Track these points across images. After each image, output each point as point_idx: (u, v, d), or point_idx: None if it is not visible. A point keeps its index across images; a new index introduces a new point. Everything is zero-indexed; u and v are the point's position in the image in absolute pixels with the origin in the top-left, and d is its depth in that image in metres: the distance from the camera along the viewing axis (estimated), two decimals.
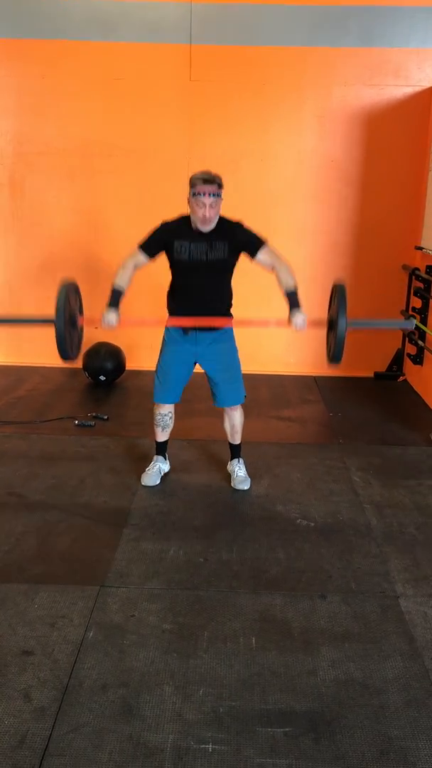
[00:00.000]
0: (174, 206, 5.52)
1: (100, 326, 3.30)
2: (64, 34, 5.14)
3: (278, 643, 2.39)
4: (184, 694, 2.14)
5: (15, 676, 2.20)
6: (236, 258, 3.29)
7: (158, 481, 3.62)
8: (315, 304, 5.65)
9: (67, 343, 3.23)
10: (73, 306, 3.32)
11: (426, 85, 5.18)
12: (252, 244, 3.21)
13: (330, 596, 2.67)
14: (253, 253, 3.22)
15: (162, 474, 3.67)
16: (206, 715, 2.06)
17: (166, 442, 3.69)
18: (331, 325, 3.24)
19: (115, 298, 3.30)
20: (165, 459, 3.73)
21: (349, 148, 5.34)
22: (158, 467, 3.66)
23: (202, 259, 3.19)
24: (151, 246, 3.26)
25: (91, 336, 5.58)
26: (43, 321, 3.30)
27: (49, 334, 6.00)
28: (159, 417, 3.58)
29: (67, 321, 3.21)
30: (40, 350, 5.80)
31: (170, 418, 3.60)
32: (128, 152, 5.37)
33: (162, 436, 3.65)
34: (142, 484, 3.58)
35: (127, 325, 3.37)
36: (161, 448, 3.70)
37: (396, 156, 5.33)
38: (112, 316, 3.26)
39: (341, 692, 2.17)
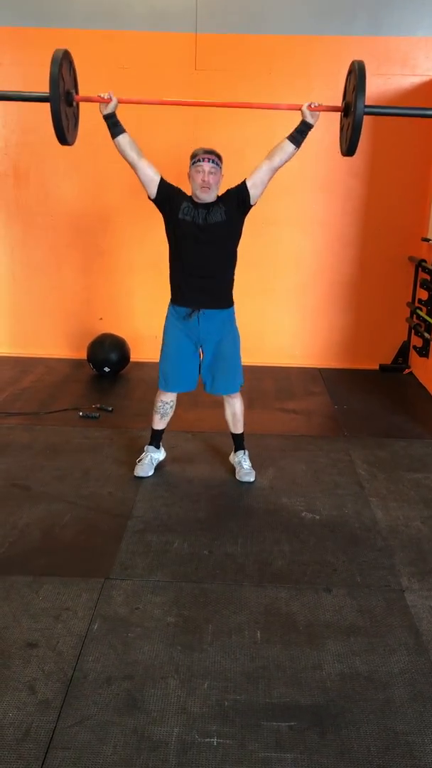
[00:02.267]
0: None
1: (100, 106, 3.19)
2: (69, 23, 5.10)
3: (283, 636, 2.38)
4: (188, 688, 2.13)
5: (19, 669, 2.19)
6: (235, 224, 3.27)
7: (151, 472, 3.59)
8: (321, 295, 5.66)
9: (63, 123, 3.04)
10: (67, 80, 3.13)
11: None
12: (240, 187, 3.23)
13: (335, 590, 2.66)
14: (245, 192, 3.21)
15: (155, 464, 3.65)
16: (211, 709, 2.05)
17: (162, 431, 3.65)
18: (347, 109, 3.10)
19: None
20: (158, 448, 3.69)
21: None
22: (150, 457, 3.63)
23: (200, 222, 3.20)
24: (165, 184, 3.25)
25: (95, 327, 5.59)
26: (38, 97, 3.06)
27: (54, 325, 6.01)
28: (160, 404, 3.54)
29: (62, 97, 3.00)
30: (44, 341, 5.81)
31: (171, 406, 3.57)
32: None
33: (160, 423, 3.61)
34: (135, 475, 3.56)
35: (123, 102, 3.28)
36: (156, 437, 3.66)
37: (403, 147, 5.28)
38: (109, 93, 3.19)
39: (346, 686, 2.17)
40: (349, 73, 3.15)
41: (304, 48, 5.11)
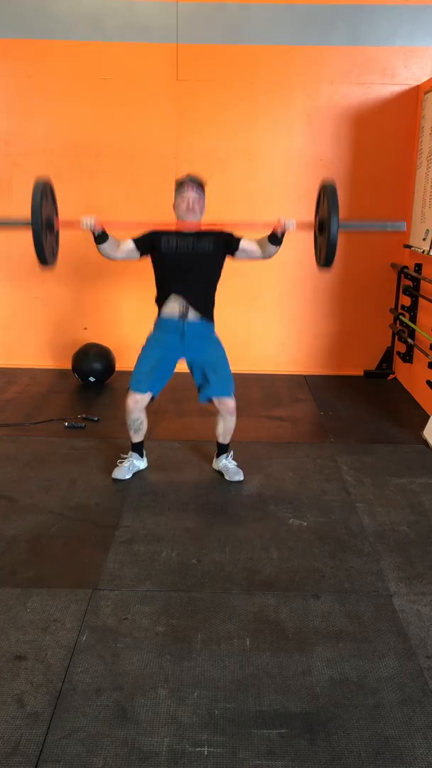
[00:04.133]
0: (162, 205, 5.51)
1: (80, 227, 3.26)
2: (50, 34, 5.12)
3: (272, 643, 2.38)
4: (178, 697, 2.13)
5: (7, 682, 2.18)
6: (221, 257, 3.42)
7: (128, 476, 3.63)
8: (305, 302, 5.69)
9: (45, 246, 3.14)
10: (49, 207, 3.25)
11: (413, 83, 5.19)
12: (232, 239, 3.40)
13: (323, 596, 2.66)
14: (235, 246, 3.38)
15: (136, 470, 3.69)
16: (201, 718, 2.05)
17: (142, 442, 3.71)
18: (322, 227, 3.19)
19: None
20: (141, 456, 3.74)
21: (337, 146, 5.35)
22: (131, 462, 3.68)
23: (188, 251, 3.35)
24: (141, 240, 3.40)
25: (80, 337, 5.58)
26: (19, 223, 3.17)
27: (38, 335, 5.99)
28: (130, 421, 3.58)
29: (43, 223, 3.12)
30: (29, 352, 5.79)
31: (141, 422, 3.60)
32: (116, 152, 5.35)
33: (136, 437, 3.67)
34: (112, 477, 3.60)
35: (105, 226, 3.31)
36: (138, 448, 3.72)
37: (384, 154, 5.34)
38: (91, 219, 3.25)
39: (336, 692, 2.17)
40: (322, 191, 3.25)
41: (285, 58, 5.16)
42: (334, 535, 3.13)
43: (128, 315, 5.59)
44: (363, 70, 5.20)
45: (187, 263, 3.37)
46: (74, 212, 5.43)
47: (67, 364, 5.37)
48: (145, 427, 3.63)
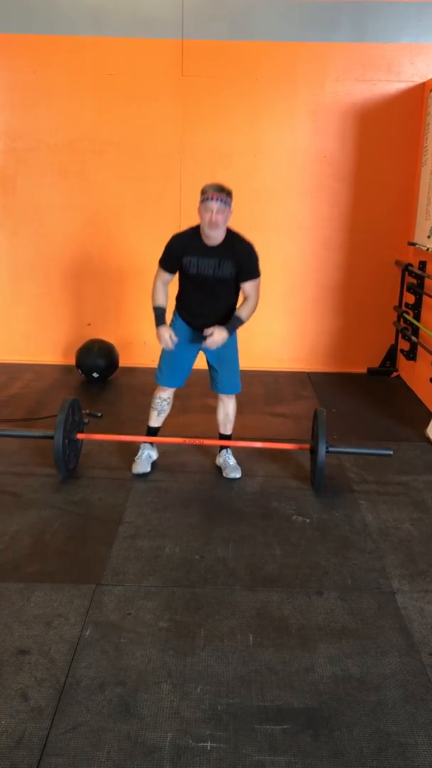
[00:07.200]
0: (166, 201, 5.52)
1: (160, 345, 3.42)
2: (55, 29, 5.11)
3: (275, 640, 2.39)
4: (181, 692, 2.13)
5: (11, 676, 2.19)
6: (237, 281, 3.41)
7: (149, 469, 3.65)
8: (308, 299, 5.69)
9: (64, 458, 3.43)
10: (72, 422, 3.55)
11: (418, 80, 5.17)
12: (248, 273, 3.34)
13: (326, 592, 2.67)
14: (243, 279, 3.35)
15: (151, 461, 3.70)
16: (204, 713, 2.06)
17: (157, 429, 3.72)
18: (312, 451, 3.52)
19: (161, 317, 3.39)
20: (153, 445, 3.76)
21: (342, 143, 5.34)
22: (147, 454, 3.70)
23: (209, 274, 3.31)
24: (169, 262, 3.36)
25: (84, 333, 5.59)
26: (43, 436, 3.57)
27: (42, 331, 5.99)
28: (158, 401, 3.63)
29: (65, 437, 3.42)
30: (32, 347, 5.79)
31: (168, 403, 3.65)
32: (120, 148, 5.34)
33: (156, 421, 3.68)
34: (133, 472, 3.62)
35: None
36: (151, 435, 3.73)
37: (389, 152, 5.33)
38: (165, 333, 3.35)
39: (339, 688, 2.17)
40: (314, 416, 3.58)
41: (290, 54, 5.15)
42: (337, 532, 3.14)
43: (132, 311, 5.58)
44: (368, 66, 5.18)
45: (207, 288, 3.36)
46: (79, 206, 5.46)
47: (71, 360, 5.38)
48: (169, 408, 3.67)
